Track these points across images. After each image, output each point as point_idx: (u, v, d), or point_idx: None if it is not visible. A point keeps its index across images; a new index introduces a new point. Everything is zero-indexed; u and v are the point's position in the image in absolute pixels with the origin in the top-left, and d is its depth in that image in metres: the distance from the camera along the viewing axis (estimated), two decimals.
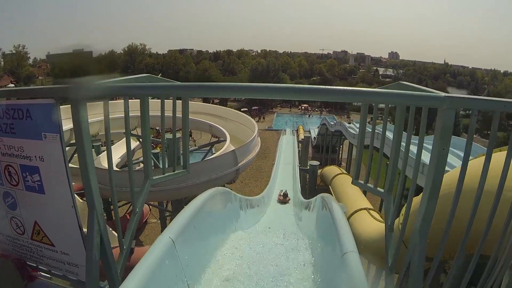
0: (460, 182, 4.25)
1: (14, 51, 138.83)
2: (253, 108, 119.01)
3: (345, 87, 3.97)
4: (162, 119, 5.80)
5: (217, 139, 24.36)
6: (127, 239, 5.14)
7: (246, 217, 9.75)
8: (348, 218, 16.79)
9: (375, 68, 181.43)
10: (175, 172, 6.30)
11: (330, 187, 27.97)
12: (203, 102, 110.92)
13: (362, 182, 6.47)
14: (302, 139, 50.52)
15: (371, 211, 17.54)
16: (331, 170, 32.16)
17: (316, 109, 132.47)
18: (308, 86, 3.87)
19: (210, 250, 6.04)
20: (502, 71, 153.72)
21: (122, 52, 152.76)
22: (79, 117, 4.27)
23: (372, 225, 15.71)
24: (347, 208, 16.59)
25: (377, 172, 6.36)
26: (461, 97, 3.96)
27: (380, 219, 17.01)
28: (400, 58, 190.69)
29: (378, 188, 6.22)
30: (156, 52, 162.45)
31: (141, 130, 5.86)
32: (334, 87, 3.97)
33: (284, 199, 21.38)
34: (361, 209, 17.56)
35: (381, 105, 5.49)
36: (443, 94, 3.95)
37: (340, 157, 61.98)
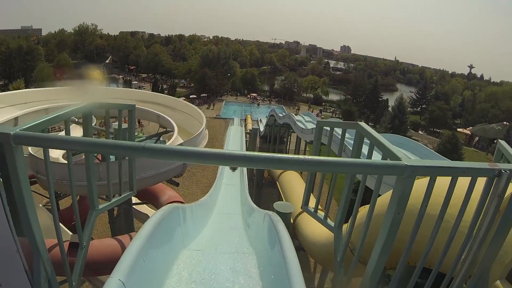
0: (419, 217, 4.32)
1: None
2: (202, 95, 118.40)
3: (300, 157, 3.73)
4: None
5: (164, 129, 24.05)
6: (76, 274, 4.91)
7: (194, 227, 9.53)
8: (295, 218, 16.64)
9: (326, 60, 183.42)
10: (122, 196, 6.11)
11: (277, 183, 27.80)
12: (152, 89, 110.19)
13: (312, 209, 6.40)
14: (250, 129, 50.31)
15: (318, 211, 17.30)
16: None
17: (265, 99, 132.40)
18: (258, 154, 3.66)
19: (161, 279, 5.88)
20: (450, 72, 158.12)
21: (72, 31, 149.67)
22: (15, 163, 3.99)
23: (320, 226, 15.62)
24: (294, 208, 16.37)
25: (327, 203, 6.32)
26: (422, 166, 3.90)
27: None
28: (352, 52, 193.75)
29: (328, 220, 6.15)
30: (108, 33, 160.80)
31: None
32: (288, 156, 3.75)
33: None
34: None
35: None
36: (404, 162, 3.86)
37: (288, 148, 61.97)
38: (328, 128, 7.36)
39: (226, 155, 3.64)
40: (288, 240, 5.55)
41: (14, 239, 4.46)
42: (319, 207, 7.28)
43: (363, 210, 7.05)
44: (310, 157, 3.74)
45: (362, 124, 5.48)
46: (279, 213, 12.91)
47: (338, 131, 7.86)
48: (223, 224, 13.22)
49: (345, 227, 6.60)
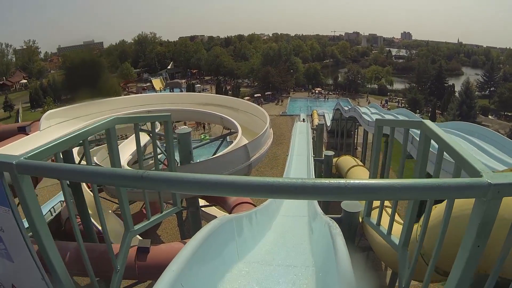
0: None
1: (25, 47, 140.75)
2: (266, 93, 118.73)
3: (364, 181, 2.86)
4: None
5: (229, 130, 23.79)
6: None
7: (252, 237, 8.87)
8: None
9: (387, 49, 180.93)
10: (163, 213, 5.60)
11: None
12: (216, 91, 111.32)
13: (375, 221, 5.78)
14: (316, 125, 49.61)
15: (387, 208, 16.30)
16: (346, 161, 31.03)
17: (330, 92, 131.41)
18: (284, 181, 2.85)
19: None
20: None
21: (132, 41, 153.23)
22: (22, 194, 3.68)
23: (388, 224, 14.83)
24: (362, 207, 15.43)
25: (392, 213, 5.72)
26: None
27: (400, 220, 16.08)
28: (413, 38, 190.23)
29: (393, 236, 5.58)
30: (167, 40, 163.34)
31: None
32: (349, 181, 2.84)
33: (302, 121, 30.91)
34: (378, 207, 16.35)
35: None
36: (486, 179, 2.86)
37: (356, 141, 61.23)
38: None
39: (240, 183, 3.03)
40: (345, 257, 4.89)
41: (38, 267, 4.23)
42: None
43: (437, 209, 6.30)
44: (353, 181, 2.81)
45: (427, 122, 4.58)
46: (346, 212, 12.33)
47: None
48: (286, 230, 12.48)
49: (415, 229, 6.01)
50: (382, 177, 6.18)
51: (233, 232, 6.89)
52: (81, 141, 4.76)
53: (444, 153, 4.10)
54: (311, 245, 8.92)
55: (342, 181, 2.84)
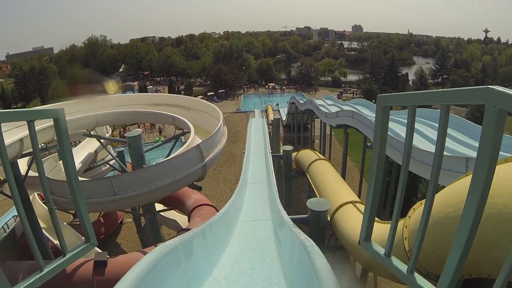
0: None
1: None
2: (219, 91, 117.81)
3: None
4: None
5: (181, 131, 22.77)
6: None
7: (207, 258, 7.24)
8: (333, 215, 14.87)
9: (339, 42, 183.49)
10: (66, 256, 3.79)
11: (307, 175, 26.13)
12: (168, 91, 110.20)
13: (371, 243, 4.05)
14: (271, 120, 48.85)
15: (357, 204, 15.47)
16: (307, 155, 29.97)
17: (283, 87, 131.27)
18: None
19: None
20: (465, 39, 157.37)
21: (82, 45, 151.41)
22: None
23: (360, 221, 13.85)
24: (331, 203, 14.39)
25: (390, 233, 3.81)
26: None
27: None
28: (364, 30, 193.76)
29: (393, 259, 3.71)
30: (118, 42, 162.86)
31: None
32: None
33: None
34: (346, 203, 15.61)
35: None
36: None
37: (313, 134, 60.76)
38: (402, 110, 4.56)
39: None
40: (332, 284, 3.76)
41: None
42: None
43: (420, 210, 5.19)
44: None
45: (499, 88, 2.40)
46: (313, 212, 11.39)
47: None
48: (247, 245, 10.77)
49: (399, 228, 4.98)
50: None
51: (179, 261, 5.45)
52: None
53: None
54: (282, 269, 7.46)
55: None
